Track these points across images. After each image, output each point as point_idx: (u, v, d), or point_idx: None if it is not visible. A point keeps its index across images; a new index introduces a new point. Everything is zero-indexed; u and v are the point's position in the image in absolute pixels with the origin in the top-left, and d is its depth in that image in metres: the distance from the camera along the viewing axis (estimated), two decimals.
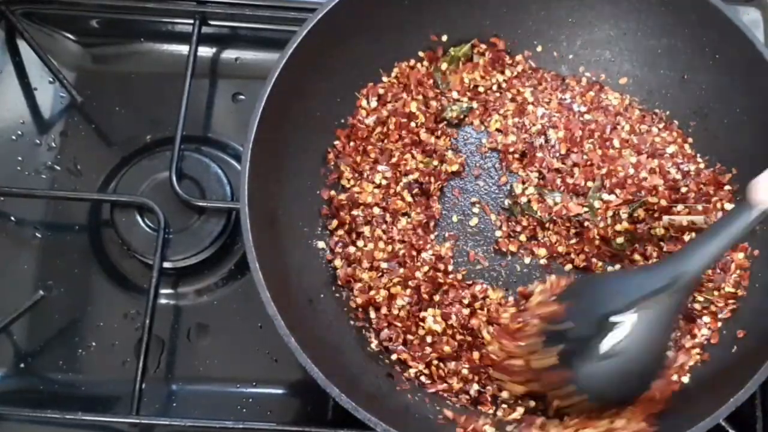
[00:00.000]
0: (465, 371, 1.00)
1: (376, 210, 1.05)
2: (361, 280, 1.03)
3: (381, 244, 1.03)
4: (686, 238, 1.03)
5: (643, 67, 1.10)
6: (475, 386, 1.00)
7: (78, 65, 1.20)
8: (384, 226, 1.05)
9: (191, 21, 1.17)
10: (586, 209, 1.06)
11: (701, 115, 1.08)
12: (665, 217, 1.04)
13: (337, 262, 1.04)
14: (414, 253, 1.04)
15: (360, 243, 1.04)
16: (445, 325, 1.01)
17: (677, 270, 0.89)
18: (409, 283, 1.02)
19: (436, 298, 1.02)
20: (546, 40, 1.12)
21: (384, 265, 1.03)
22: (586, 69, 1.13)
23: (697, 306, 1.01)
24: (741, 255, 1.02)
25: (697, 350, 1.00)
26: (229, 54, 1.21)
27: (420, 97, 1.10)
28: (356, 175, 1.07)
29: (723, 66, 1.05)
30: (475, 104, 1.11)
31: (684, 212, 1.04)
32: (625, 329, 0.89)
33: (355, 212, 1.05)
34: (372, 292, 1.02)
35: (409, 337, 1.01)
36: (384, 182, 1.06)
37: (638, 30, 1.08)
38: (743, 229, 0.87)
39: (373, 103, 1.09)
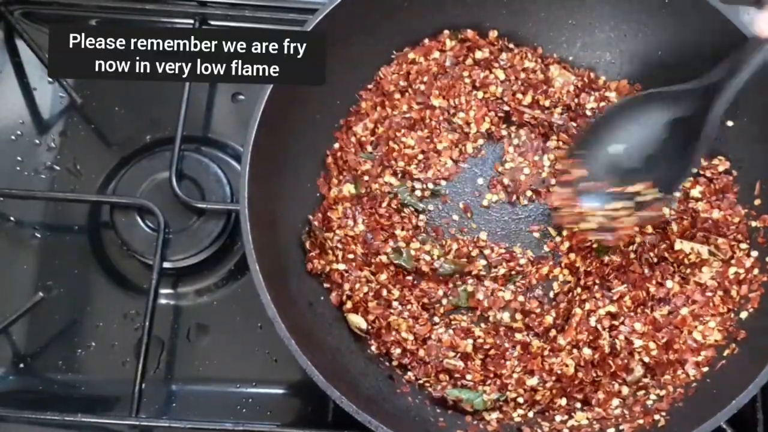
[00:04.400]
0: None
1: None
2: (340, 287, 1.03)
3: (340, 255, 1.02)
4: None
5: (643, 69, 1.10)
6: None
7: None
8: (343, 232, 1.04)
9: (191, 22, 1.17)
10: None
11: None
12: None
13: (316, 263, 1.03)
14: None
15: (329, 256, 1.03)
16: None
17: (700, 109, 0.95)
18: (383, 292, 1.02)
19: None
20: (546, 42, 1.12)
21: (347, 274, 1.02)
22: (586, 71, 1.12)
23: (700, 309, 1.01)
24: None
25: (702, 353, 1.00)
26: None
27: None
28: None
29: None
30: None
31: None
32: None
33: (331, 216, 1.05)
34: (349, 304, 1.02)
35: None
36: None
37: (639, 32, 1.08)
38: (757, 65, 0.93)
39: None
